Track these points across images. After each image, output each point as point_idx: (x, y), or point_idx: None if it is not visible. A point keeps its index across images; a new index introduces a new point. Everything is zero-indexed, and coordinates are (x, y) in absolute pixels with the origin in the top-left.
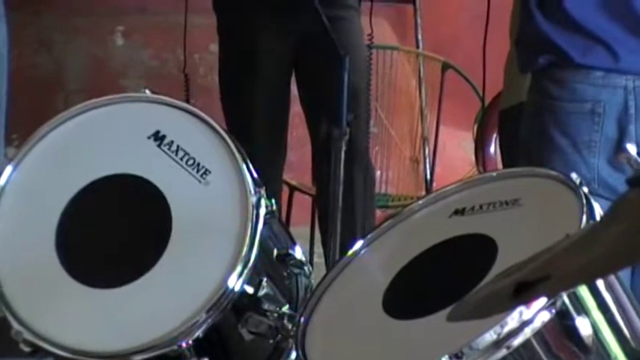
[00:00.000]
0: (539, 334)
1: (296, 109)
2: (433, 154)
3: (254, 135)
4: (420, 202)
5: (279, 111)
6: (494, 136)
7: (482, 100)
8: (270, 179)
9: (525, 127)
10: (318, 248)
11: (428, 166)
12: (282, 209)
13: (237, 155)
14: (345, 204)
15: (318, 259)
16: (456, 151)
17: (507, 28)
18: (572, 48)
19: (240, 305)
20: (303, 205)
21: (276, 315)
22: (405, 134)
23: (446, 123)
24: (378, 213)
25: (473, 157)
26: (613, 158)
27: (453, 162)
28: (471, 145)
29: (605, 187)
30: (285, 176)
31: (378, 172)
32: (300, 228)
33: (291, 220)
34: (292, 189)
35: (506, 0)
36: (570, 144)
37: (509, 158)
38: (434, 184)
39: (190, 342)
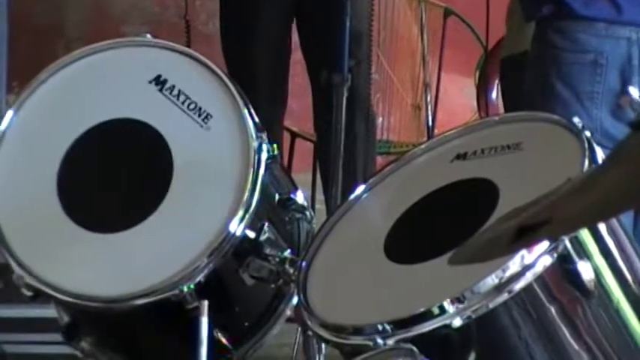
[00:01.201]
0: (540, 278)
1: (297, 56)
2: (435, 101)
3: (255, 82)
4: (422, 146)
5: (279, 58)
6: (496, 82)
7: (486, 46)
8: (270, 126)
9: (529, 77)
10: (320, 195)
11: (429, 112)
12: (284, 156)
13: (239, 100)
14: (346, 150)
15: (320, 205)
16: (458, 97)
17: None
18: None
19: (242, 250)
20: (304, 152)
21: (277, 259)
22: (407, 81)
23: (447, 69)
24: (380, 159)
25: (474, 104)
26: (615, 109)
27: (455, 108)
28: (473, 92)
29: (607, 138)
30: (287, 123)
31: (380, 119)
32: (302, 175)
33: (292, 166)
34: (294, 135)
35: None
36: (573, 94)
37: (512, 106)
38: (435, 131)
39: (192, 286)
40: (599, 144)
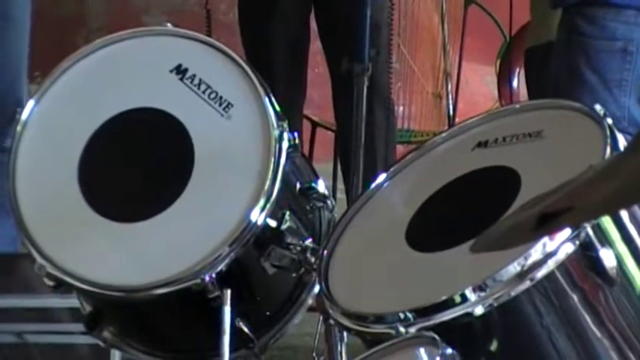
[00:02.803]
0: (562, 266)
1: (317, 46)
2: (455, 90)
3: (274, 71)
4: (443, 135)
5: (298, 47)
6: (517, 70)
7: (509, 35)
8: (290, 115)
9: (555, 64)
10: (341, 184)
11: (450, 101)
12: (305, 145)
13: (260, 88)
14: (366, 140)
15: (341, 194)
16: (479, 86)
17: None
18: None
19: (263, 239)
20: (325, 141)
21: (299, 248)
22: (428, 70)
23: (468, 58)
24: (400, 148)
25: (495, 92)
26: None
27: (476, 97)
28: (494, 80)
29: (635, 126)
30: (307, 112)
31: (401, 108)
32: (323, 164)
33: (313, 156)
34: (314, 125)
35: None
36: (600, 82)
37: (536, 96)
38: (456, 120)
39: (213, 275)
40: (626, 132)
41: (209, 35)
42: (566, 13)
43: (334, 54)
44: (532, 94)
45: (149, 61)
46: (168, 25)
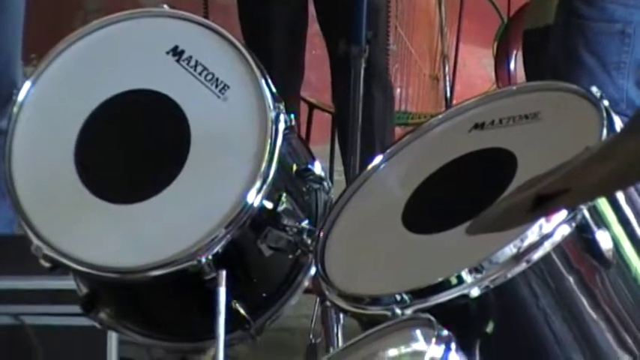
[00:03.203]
0: (559, 247)
1: (315, 28)
2: (453, 72)
3: (272, 53)
4: (440, 116)
5: (297, 29)
6: (515, 52)
7: (507, 17)
8: (287, 97)
9: (553, 46)
10: (339, 166)
11: (448, 83)
12: (302, 127)
13: (256, 70)
14: (364, 122)
15: (338, 176)
16: (476, 68)
17: None
18: None
19: (260, 220)
20: (322, 123)
21: (295, 230)
22: (425, 52)
23: (465, 40)
24: (398, 130)
25: (492, 74)
26: None
27: (473, 79)
28: (491, 62)
29: (633, 108)
30: (305, 95)
31: (398, 90)
32: (320, 146)
33: (310, 138)
34: (312, 107)
35: None
36: (599, 64)
37: (534, 79)
38: (453, 102)
39: (210, 257)
40: (623, 114)
41: (206, 17)
42: None
43: (332, 36)
44: (530, 76)
45: (145, 43)
46: (165, 6)
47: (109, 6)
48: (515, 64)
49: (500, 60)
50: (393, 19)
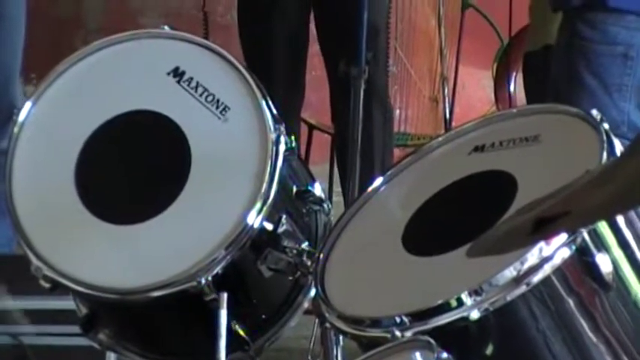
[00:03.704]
0: (559, 270)
1: (315, 48)
2: (452, 93)
3: (272, 75)
4: (440, 138)
5: (297, 49)
6: (514, 74)
7: (508, 38)
8: (287, 117)
9: (555, 67)
10: (337, 187)
11: (447, 105)
12: (302, 148)
13: (257, 92)
14: (363, 143)
15: (337, 197)
16: (475, 90)
17: None
18: None
19: (260, 242)
20: (322, 144)
21: (295, 252)
22: (425, 73)
23: (465, 62)
24: (397, 152)
25: (492, 96)
26: None
27: (472, 101)
28: (490, 84)
29: (634, 131)
30: (304, 115)
31: (398, 111)
32: (319, 167)
33: (310, 158)
34: (311, 128)
35: None
36: (601, 86)
37: (534, 101)
38: (453, 123)
39: (210, 278)
40: (624, 137)
41: (206, 37)
42: (566, 17)
43: (332, 57)
44: (531, 98)
45: (146, 64)
46: (166, 27)
47: (110, 25)
48: (515, 85)
49: (500, 82)
50: (393, 41)
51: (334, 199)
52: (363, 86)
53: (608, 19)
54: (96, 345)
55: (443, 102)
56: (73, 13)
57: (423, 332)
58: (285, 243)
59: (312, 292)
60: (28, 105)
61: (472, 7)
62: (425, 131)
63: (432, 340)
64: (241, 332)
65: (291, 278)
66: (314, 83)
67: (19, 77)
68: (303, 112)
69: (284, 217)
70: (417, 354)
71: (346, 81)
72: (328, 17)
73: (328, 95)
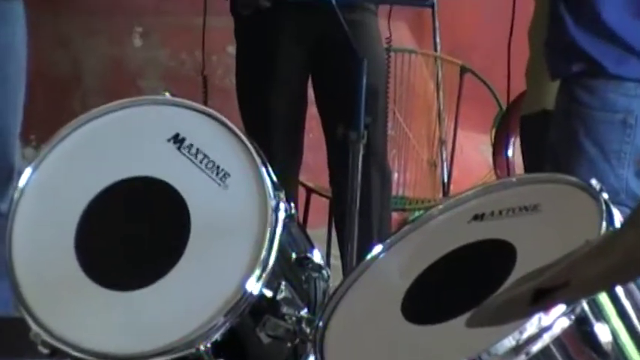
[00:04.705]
0: (558, 340)
1: (312, 111)
2: (450, 157)
3: (271, 137)
4: (440, 207)
5: (295, 114)
6: (512, 139)
7: (506, 103)
8: (286, 181)
9: (554, 133)
10: (335, 250)
11: (445, 169)
12: (299, 211)
13: (257, 158)
14: (361, 207)
15: (335, 261)
16: (474, 154)
17: (525, 33)
18: (605, 58)
19: (259, 308)
20: (320, 207)
21: (294, 318)
22: (423, 137)
23: (463, 126)
24: (395, 216)
25: (490, 161)
26: None
27: (471, 165)
28: (489, 149)
29: (632, 199)
30: (302, 178)
31: (396, 175)
32: (317, 230)
33: (308, 221)
34: (309, 191)
35: (524, 5)
36: (600, 153)
37: (531, 165)
38: (451, 187)
39: (208, 345)
40: (624, 204)
41: (205, 101)
42: (565, 83)
43: (330, 120)
44: (528, 163)
45: (147, 130)
46: (167, 94)
47: (108, 87)
48: (514, 151)
49: (498, 147)
50: (392, 104)
51: (332, 262)
52: (361, 150)
53: (607, 86)
54: None
55: (441, 166)
56: (71, 75)
57: None
58: (284, 310)
59: (311, 359)
60: (28, 171)
61: (471, 72)
62: (423, 195)
63: None
64: None
65: (289, 345)
66: (312, 145)
67: (18, 140)
68: (301, 175)
69: (283, 283)
70: None
71: (344, 144)
72: (327, 81)
73: (325, 157)
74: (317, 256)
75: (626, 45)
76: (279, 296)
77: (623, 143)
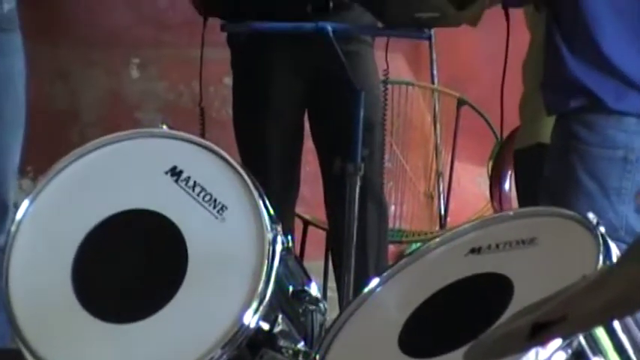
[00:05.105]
0: None
1: (309, 144)
2: (447, 190)
3: (267, 170)
4: (437, 240)
5: (292, 146)
6: (509, 172)
7: (500, 136)
8: (283, 214)
9: (550, 169)
10: (332, 282)
11: (442, 201)
12: (296, 243)
13: (254, 191)
14: (358, 239)
15: (332, 293)
16: (471, 186)
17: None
18: (605, 92)
19: (256, 341)
20: (317, 239)
21: (291, 352)
22: (420, 169)
23: (460, 158)
24: (392, 248)
25: (487, 193)
26: None
27: (468, 197)
28: (486, 181)
29: (632, 235)
30: (299, 210)
31: (393, 207)
32: (314, 262)
33: (305, 254)
34: (306, 223)
35: (521, 37)
36: (599, 189)
37: (525, 197)
38: (448, 220)
39: None
40: (623, 241)
41: (203, 133)
42: (562, 119)
43: (327, 153)
44: (522, 197)
45: (144, 163)
46: (164, 127)
47: (106, 119)
48: (510, 183)
49: (495, 179)
50: (389, 137)
51: (329, 294)
52: (358, 183)
53: (607, 122)
54: None
55: (438, 198)
56: (69, 107)
57: None
58: (281, 343)
59: None
60: (25, 203)
61: (468, 105)
62: (420, 227)
63: None
64: None
65: None
66: (308, 178)
67: (15, 174)
68: (297, 207)
69: (280, 316)
70: None
71: (341, 177)
72: (323, 114)
73: (322, 190)
74: (314, 289)
75: (626, 78)
76: (277, 329)
77: (624, 179)
